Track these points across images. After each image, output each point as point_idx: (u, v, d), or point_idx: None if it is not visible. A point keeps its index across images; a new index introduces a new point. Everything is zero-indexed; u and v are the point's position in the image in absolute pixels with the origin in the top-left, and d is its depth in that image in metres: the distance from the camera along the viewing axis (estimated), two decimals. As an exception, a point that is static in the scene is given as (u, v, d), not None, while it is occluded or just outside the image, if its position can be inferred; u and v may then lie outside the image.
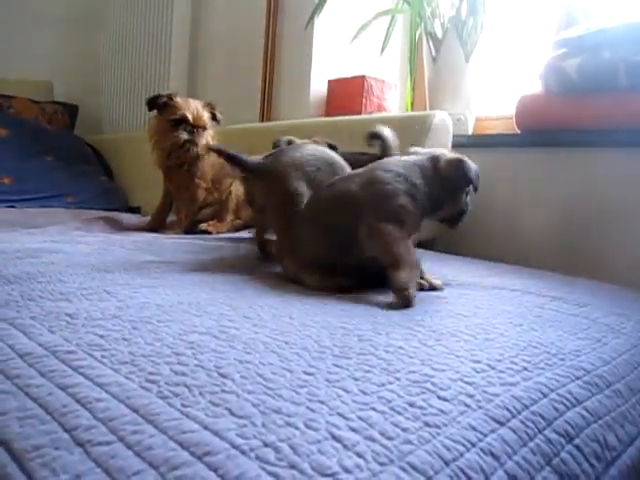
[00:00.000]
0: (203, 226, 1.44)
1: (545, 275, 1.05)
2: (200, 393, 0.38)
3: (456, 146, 1.51)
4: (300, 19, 1.94)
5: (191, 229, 1.46)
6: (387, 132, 1.02)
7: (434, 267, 1.06)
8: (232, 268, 0.90)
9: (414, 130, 1.41)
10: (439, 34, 1.71)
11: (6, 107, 2.21)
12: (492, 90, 1.79)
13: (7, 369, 0.42)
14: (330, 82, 1.90)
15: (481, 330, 0.61)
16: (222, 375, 0.41)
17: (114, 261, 0.85)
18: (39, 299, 0.61)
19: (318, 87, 1.94)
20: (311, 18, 1.81)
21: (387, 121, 1.54)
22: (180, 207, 1.53)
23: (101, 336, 0.49)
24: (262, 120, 2.06)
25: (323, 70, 1.94)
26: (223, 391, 0.39)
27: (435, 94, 1.71)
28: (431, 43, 1.72)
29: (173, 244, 1.12)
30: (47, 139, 2.18)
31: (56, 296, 0.62)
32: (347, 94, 1.85)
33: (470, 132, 1.66)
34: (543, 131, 1.34)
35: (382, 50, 1.85)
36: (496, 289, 0.87)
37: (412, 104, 1.97)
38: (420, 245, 1.40)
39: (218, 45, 2.33)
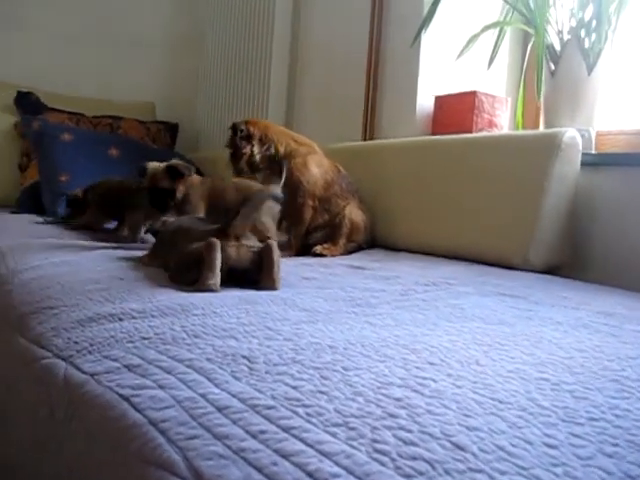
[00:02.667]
0: (318, 249, 1.40)
1: None
2: (445, 471, 0.33)
3: (583, 165, 1.41)
4: (405, 33, 1.88)
5: (302, 252, 1.43)
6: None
7: (580, 297, 0.97)
8: (369, 292, 0.85)
9: (540, 149, 1.32)
10: (556, 46, 1.62)
11: (115, 128, 2.28)
12: (614, 103, 1.68)
13: (211, 426, 0.39)
14: (437, 98, 1.84)
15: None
16: (457, 446, 0.36)
17: (255, 292, 0.82)
18: (204, 336, 0.58)
19: (424, 103, 1.87)
20: (418, 34, 1.76)
21: (508, 140, 1.46)
22: (289, 228, 1.49)
23: (294, 387, 0.45)
24: (365, 138, 2.01)
25: (429, 85, 1.88)
26: (470, 469, 0.33)
27: (552, 109, 1.62)
28: (548, 56, 1.63)
29: (298, 268, 1.09)
30: (153, 158, 2.22)
31: (220, 333, 0.59)
32: (456, 110, 1.78)
33: (593, 149, 1.55)
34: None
35: (489, 64, 1.77)
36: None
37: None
38: (547, 271, 1.32)
39: (318, 62, 2.31)
